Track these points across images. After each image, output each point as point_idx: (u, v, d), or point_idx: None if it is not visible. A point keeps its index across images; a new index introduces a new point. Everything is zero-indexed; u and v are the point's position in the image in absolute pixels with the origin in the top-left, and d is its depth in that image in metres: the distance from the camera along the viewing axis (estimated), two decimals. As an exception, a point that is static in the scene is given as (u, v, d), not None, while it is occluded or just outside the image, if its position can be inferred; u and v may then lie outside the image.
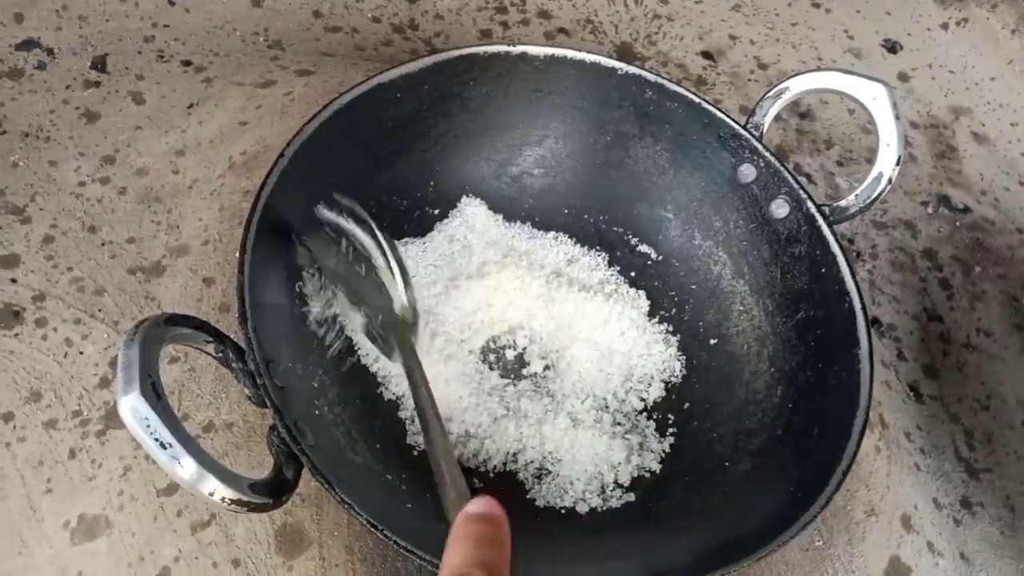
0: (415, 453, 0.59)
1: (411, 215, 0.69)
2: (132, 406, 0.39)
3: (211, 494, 0.41)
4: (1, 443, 0.61)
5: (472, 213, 0.70)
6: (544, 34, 0.96)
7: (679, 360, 0.66)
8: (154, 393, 0.40)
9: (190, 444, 0.40)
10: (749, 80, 0.97)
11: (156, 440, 0.39)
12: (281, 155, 0.55)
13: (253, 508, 0.43)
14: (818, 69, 0.64)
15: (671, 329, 0.68)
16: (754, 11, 1.04)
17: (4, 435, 0.61)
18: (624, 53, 0.96)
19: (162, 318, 0.45)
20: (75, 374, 0.64)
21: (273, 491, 0.44)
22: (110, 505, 0.58)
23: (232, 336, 0.49)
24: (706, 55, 0.98)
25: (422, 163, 0.68)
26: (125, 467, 0.59)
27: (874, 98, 0.60)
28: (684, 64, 0.97)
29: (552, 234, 0.72)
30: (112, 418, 0.62)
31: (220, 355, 0.49)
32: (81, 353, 0.65)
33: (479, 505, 0.39)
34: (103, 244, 0.70)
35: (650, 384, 0.64)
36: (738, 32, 1.01)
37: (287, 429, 0.46)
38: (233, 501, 0.41)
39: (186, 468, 0.40)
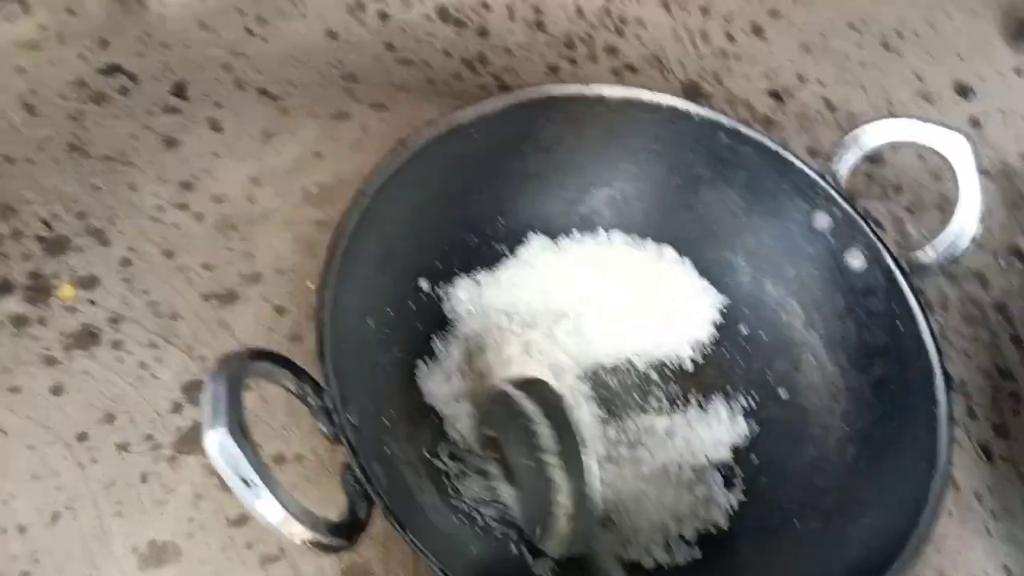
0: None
1: (480, 250, 0.70)
2: (219, 442, 0.40)
3: (290, 534, 0.41)
4: (75, 463, 0.62)
5: (539, 249, 0.71)
6: (611, 70, 0.96)
7: (747, 421, 0.66)
8: (240, 429, 0.41)
9: (273, 484, 0.41)
10: (817, 121, 0.96)
11: (241, 478, 0.40)
12: (362, 193, 0.56)
13: (330, 549, 0.43)
14: (895, 116, 0.63)
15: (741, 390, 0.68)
16: (823, 52, 1.03)
17: (78, 455, 0.62)
18: (691, 91, 0.96)
19: (246, 353, 0.45)
20: (148, 398, 0.65)
21: (348, 531, 0.45)
22: (180, 532, 0.58)
23: (309, 371, 0.50)
24: (773, 95, 0.98)
25: (493, 200, 0.69)
26: (196, 495, 0.60)
27: (954, 150, 0.59)
28: (751, 103, 0.96)
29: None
30: (184, 444, 0.63)
31: (298, 391, 0.49)
32: (155, 377, 0.66)
33: None
34: (179, 269, 0.72)
35: (717, 447, 0.64)
36: (806, 72, 1.01)
37: (361, 469, 0.46)
38: (312, 543, 0.42)
39: (268, 507, 0.40)
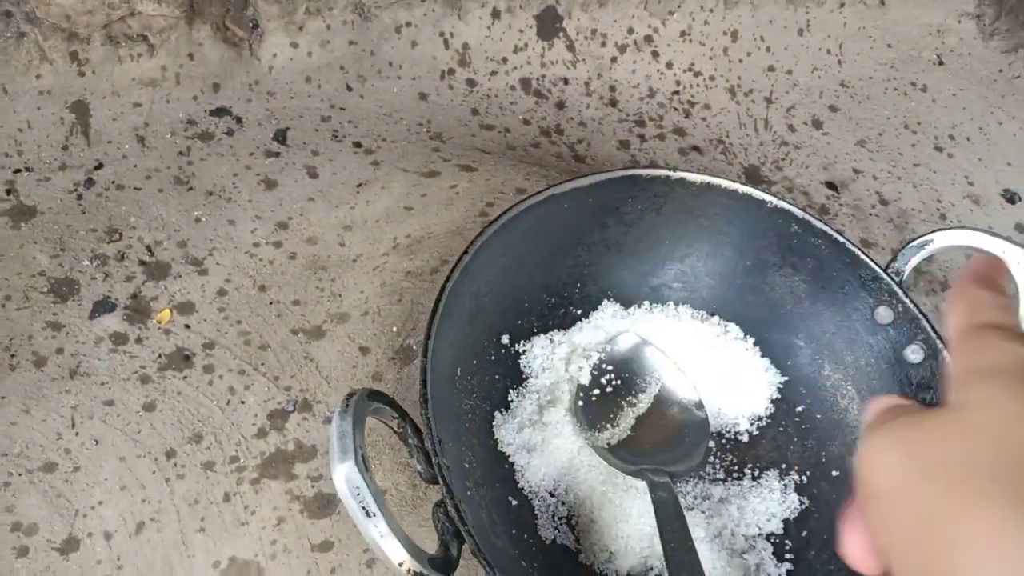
0: (546, 543, 0.62)
1: (557, 312, 0.74)
2: (346, 475, 0.44)
3: (400, 564, 0.45)
4: (161, 477, 0.66)
5: (611, 316, 0.75)
6: (678, 150, 1.01)
7: (799, 496, 0.68)
8: (363, 464, 0.45)
9: (390, 516, 0.45)
10: (870, 215, 1.00)
11: (363, 508, 0.44)
12: (466, 252, 0.61)
13: (429, 582, 0.47)
14: (963, 227, 0.68)
15: (795, 466, 0.71)
16: (878, 148, 1.08)
17: (165, 470, 0.66)
18: (752, 176, 1.01)
19: (366, 393, 0.50)
20: (235, 421, 0.69)
21: (444, 567, 0.48)
22: (263, 552, 0.62)
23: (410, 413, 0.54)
24: (830, 185, 1.03)
25: (574, 267, 0.73)
26: (279, 518, 0.63)
27: (1019, 263, 0.63)
28: (808, 192, 1.01)
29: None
30: (267, 468, 0.67)
31: (400, 431, 0.53)
32: (243, 403, 0.70)
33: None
34: (271, 303, 0.76)
35: (769, 519, 0.67)
36: (861, 166, 1.06)
37: (455, 508, 0.50)
38: (417, 573, 0.45)
39: (384, 537, 0.44)
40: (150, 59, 0.89)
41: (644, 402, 0.70)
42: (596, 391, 0.69)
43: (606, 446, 0.66)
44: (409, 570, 0.45)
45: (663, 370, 0.71)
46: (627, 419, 0.69)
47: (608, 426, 0.68)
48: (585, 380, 0.69)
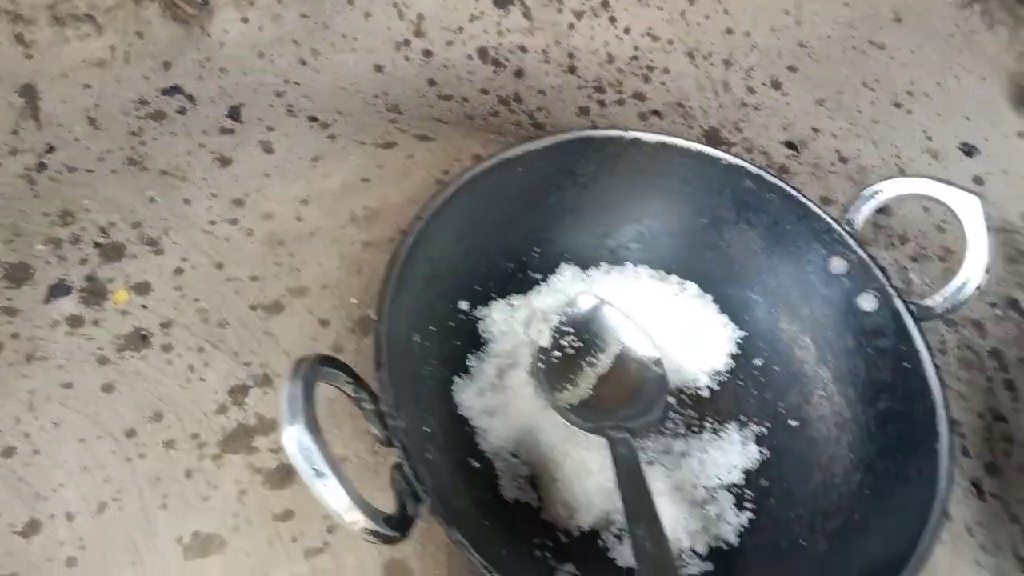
0: (508, 503, 0.63)
1: (515, 276, 0.74)
2: (296, 437, 0.44)
3: (354, 523, 0.45)
4: (122, 457, 0.66)
5: (570, 279, 0.75)
6: (638, 114, 1.01)
7: (759, 447, 0.69)
8: (314, 426, 0.45)
9: (342, 475, 0.45)
10: (830, 172, 1.01)
11: (313, 469, 0.44)
12: (419, 217, 0.61)
13: (385, 540, 0.47)
14: (912, 175, 0.68)
15: (754, 418, 0.71)
16: (837, 106, 1.08)
17: (126, 450, 0.66)
18: (712, 138, 1.01)
19: (317, 358, 0.50)
20: (195, 399, 0.69)
21: (401, 525, 0.48)
22: (225, 525, 0.62)
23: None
24: (789, 145, 1.03)
25: (530, 231, 0.73)
26: (241, 491, 0.63)
27: (967, 208, 0.64)
28: (768, 152, 1.02)
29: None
30: (228, 443, 0.66)
31: (355, 395, 0.53)
32: (202, 380, 0.70)
33: None
34: (228, 280, 0.76)
35: (730, 471, 0.68)
36: (821, 125, 1.06)
37: (413, 469, 0.50)
38: (371, 532, 0.46)
39: (337, 497, 0.44)
40: (98, 39, 0.87)
41: (604, 362, 0.70)
42: (557, 353, 0.70)
43: (567, 406, 0.66)
44: (364, 528, 0.45)
45: (623, 330, 0.72)
46: (588, 379, 0.69)
47: (569, 387, 0.68)
48: (545, 342, 0.70)
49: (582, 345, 0.70)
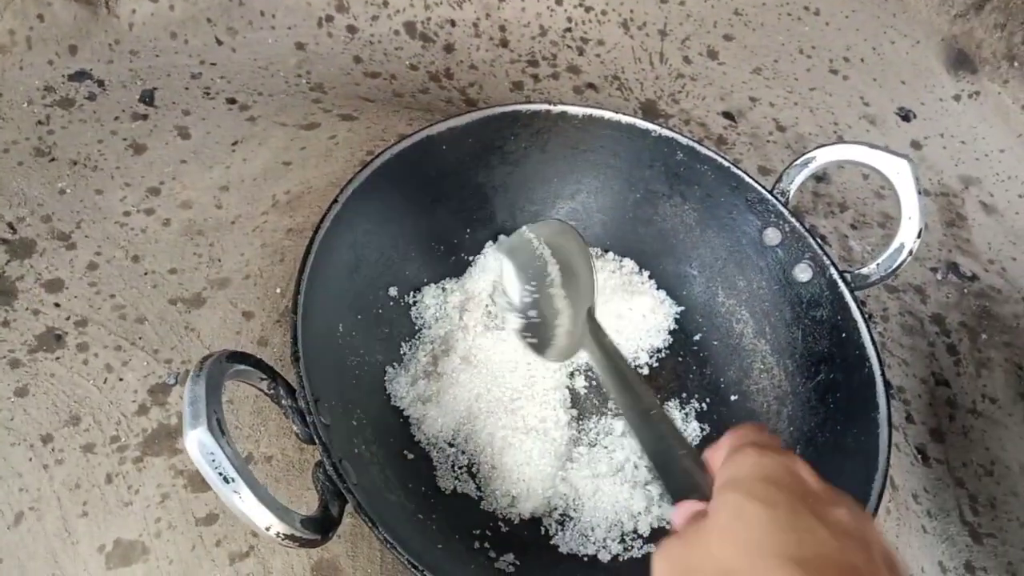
0: (446, 494, 0.61)
1: (447, 259, 0.72)
2: (199, 440, 0.42)
3: (267, 528, 0.43)
4: (39, 464, 0.62)
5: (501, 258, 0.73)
6: (573, 88, 0.99)
7: (700, 423, 0.68)
8: (219, 428, 0.42)
9: (251, 480, 0.42)
10: (768, 141, 1.00)
11: (220, 474, 0.41)
12: (335, 201, 0.58)
13: (304, 544, 0.45)
14: (844, 141, 0.67)
15: (694, 387, 0.70)
16: (774, 75, 1.07)
17: (42, 456, 0.62)
18: (648, 110, 1.00)
19: (224, 355, 0.47)
20: (114, 400, 0.65)
21: (321, 527, 0.46)
22: (147, 532, 0.59)
23: (282, 374, 0.51)
24: (727, 115, 1.02)
25: (460, 211, 0.71)
26: (163, 495, 0.61)
27: (898, 172, 0.63)
28: (706, 123, 1.00)
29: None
30: (150, 446, 0.63)
31: (271, 392, 0.51)
32: (121, 380, 0.66)
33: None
34: (145, 274, 0.72)
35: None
36: (758, 94, 1.05)
37: (333, 467, 0.48)
38: (286, 536, 0.43)
39: (246, 502, 0.42)
40: (-5, 22, 0.83)
41: (556, 277, 0.65)
42: (531, 313, 0.64)
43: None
44: (279, 533, 0.43)
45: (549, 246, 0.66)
46: (558, 310, 0.63)
47: (553, 337, 0.63)
48: (515, 298, 0.65)
49: (533, 286, 0.65)
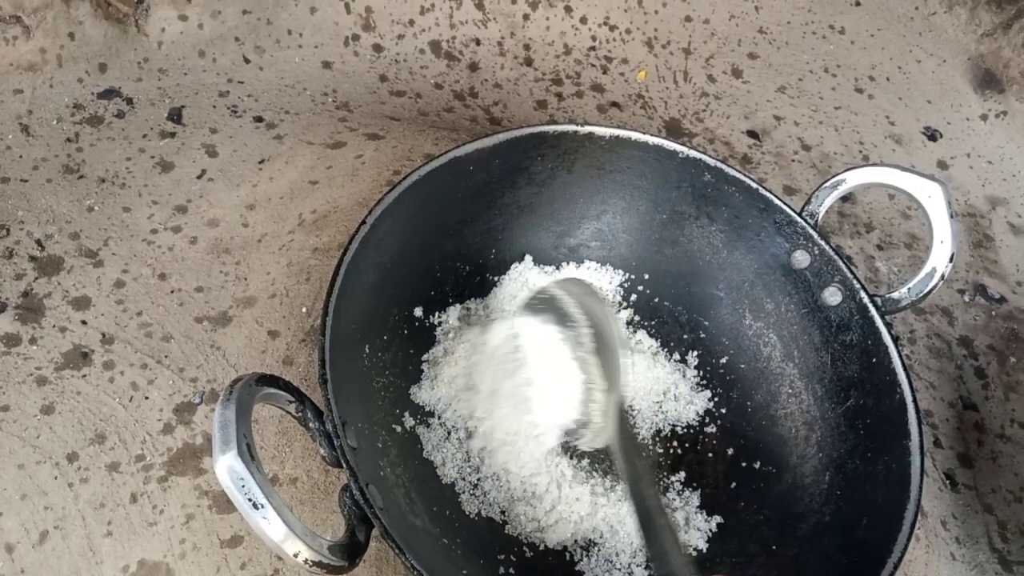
0: (471, 517, 0.61)
1: (472, 279, 0.71)
2: (229, 466, 0.41)
3: (295, 555, 0.42)
4: (64, 483, 0.62)
5: (527, 275, 0.73)
6: (596, 107, 0.99)
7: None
8: (248, 453, 0.42)
9: (280, 506, 0.42)
10: (793, 161, 0.99)
11: (249, 500, 0.41)
12: (363, 222, 0.58)
13: (331, 571, 0.44)
14: (873, 164, 0.67)
15: (721, 410, 0.70)
16: (799, 93, 1.07)
17: (68, 475, 0.63)
18: (673, 129, 0.99)
19: (254, 378, 0.47)
20: (139, 418, 0.66)
21: (348, 554, 0.46)
22: (171, 553, 0.59)
23: (308, 395, 0.51)
24: (751, 134, 1.01)
25: (486, 231, 0.71)
26: (188, 515, 0.60)
27: (929, 196, 0.62)
28: (730, 142, 1.00)
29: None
30: (175, 465, 0.63)
31: (299, 415, 0.51)
32: (147, 398, 0.67)
33: None
34: (172, 292, 0.72)
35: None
36: (783, 113, 1.04)
37: (360, 491, 0.48)
38: (315, 563, 0.43)
39: (275, 529, 0.42)
40: (27, 42, 0.83)
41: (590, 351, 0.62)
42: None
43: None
44: (307, 560, 0.43)
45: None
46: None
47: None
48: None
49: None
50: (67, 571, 0.58)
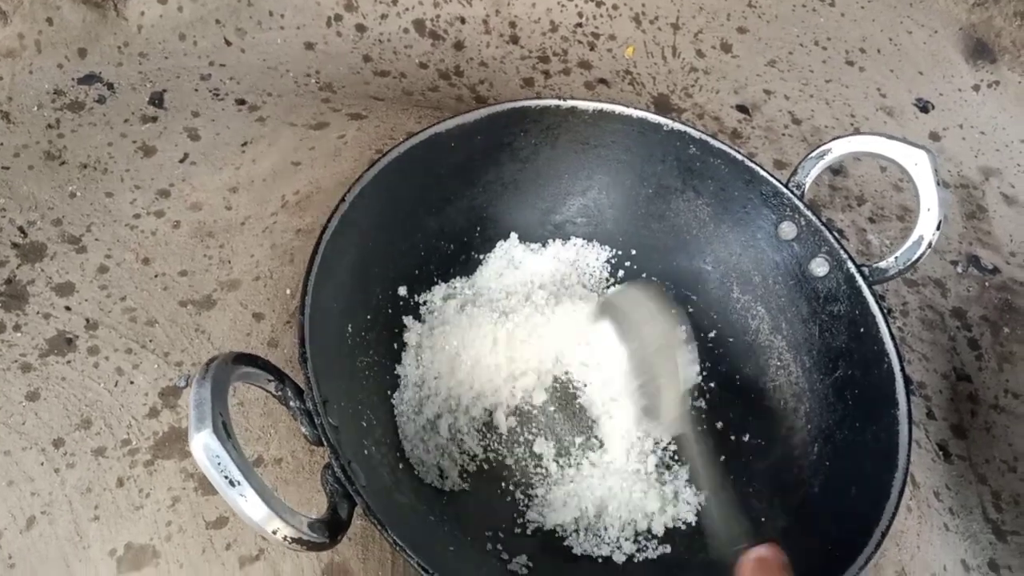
0: (457, 495, 0.60)
1: (457, 258, 0.71)
2: (204, 443, 0.41)
3: (274, 532, 0.42)
4: (50, 468, 0.62)
5: (513, 252, 0.72)
6: (584, 84, 0.98)
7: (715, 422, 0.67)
8: (224, 431, 0.42)
9: (257, 483, 0.42)
10: (783, 135, 0.99)
11: (225, 477, 0.41)
12: (342, 200, 0.57)
13: (312, 547, 0.44)
14: (860, 132, 0.66)
15: (709, 384, 0.69)
16: (789, 67, 1.06)
17: (54, 460, 0.62)
18: (661, 105, 0.98)
19: (230, 357, 0.46)
20: (125, 403, 0.65)
21: (330, 530, 0.45)
22: (158, 535, 0.59)
23: (291, 375, 0.50)
24: (741, 109, 1.00)
25: (470, 209, 0.70)
26: (174, 498, 0.60)
27: (916, 164, 0.62)
28: (719, 117, 0.99)
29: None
30: (160, 448, 0.63)
31: (279, 393, 0.50)
32: (132, 383, 0.66)
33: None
34: (156, 276, 0.72)
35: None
36: (773, 87, 1.03)
37: (342, 469, 0.47)
38: (294, 540, 0.43)
39: (252, 506, 0.41)
40: (4, 28, 0.82)
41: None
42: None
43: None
44: (286, 537, 0.42)
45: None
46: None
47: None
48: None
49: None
50: (55, 556, 0.58)
